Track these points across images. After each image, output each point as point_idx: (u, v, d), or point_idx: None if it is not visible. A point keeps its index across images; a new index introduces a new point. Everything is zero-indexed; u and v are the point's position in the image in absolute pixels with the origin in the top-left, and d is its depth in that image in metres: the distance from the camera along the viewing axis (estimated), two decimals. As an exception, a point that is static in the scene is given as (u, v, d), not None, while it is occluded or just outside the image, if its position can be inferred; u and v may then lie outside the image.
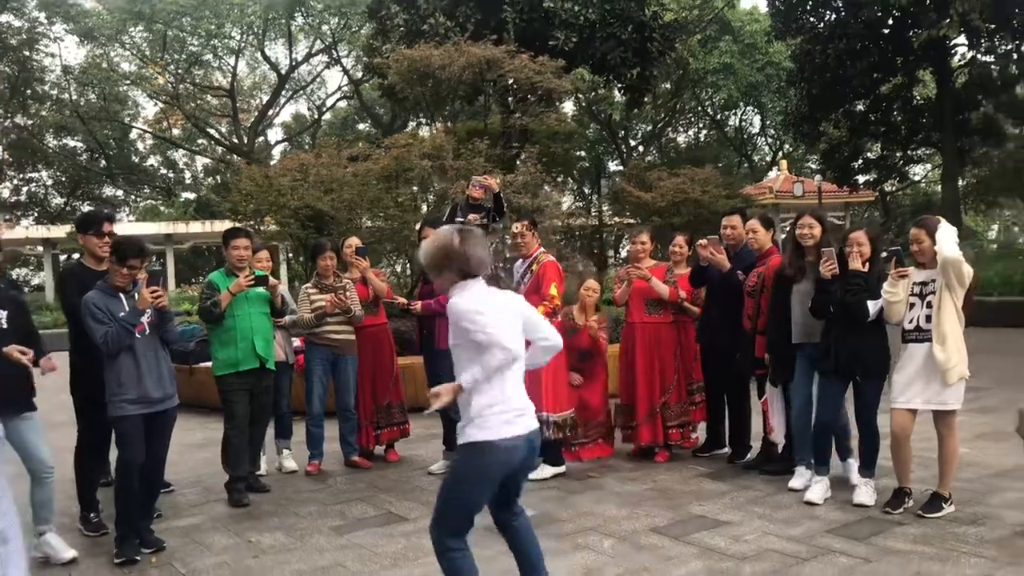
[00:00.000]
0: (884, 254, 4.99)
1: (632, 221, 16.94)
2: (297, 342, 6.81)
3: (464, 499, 3.18)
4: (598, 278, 6.78)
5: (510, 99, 14.33)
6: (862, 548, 4.20)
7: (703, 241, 5.86)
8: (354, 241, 6.61)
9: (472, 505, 3.20)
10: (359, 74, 30.96)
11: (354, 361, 6.37)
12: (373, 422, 6.53)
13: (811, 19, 20.57)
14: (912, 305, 4.70)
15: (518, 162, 13.67)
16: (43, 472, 4.50)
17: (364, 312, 6.36)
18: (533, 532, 3.44)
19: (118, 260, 4.50)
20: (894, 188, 29.43)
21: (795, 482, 5.30)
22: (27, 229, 30.60)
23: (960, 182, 23.18)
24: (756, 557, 4.15)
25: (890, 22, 19.35)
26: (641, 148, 37.03)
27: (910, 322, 4.70)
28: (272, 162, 22.00)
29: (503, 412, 3.14)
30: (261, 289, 5.67)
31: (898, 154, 22.86)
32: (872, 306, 4.77)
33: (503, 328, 3.13)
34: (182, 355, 9.05)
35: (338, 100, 37.64)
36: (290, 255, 18.51)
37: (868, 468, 4.99)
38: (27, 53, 28.72)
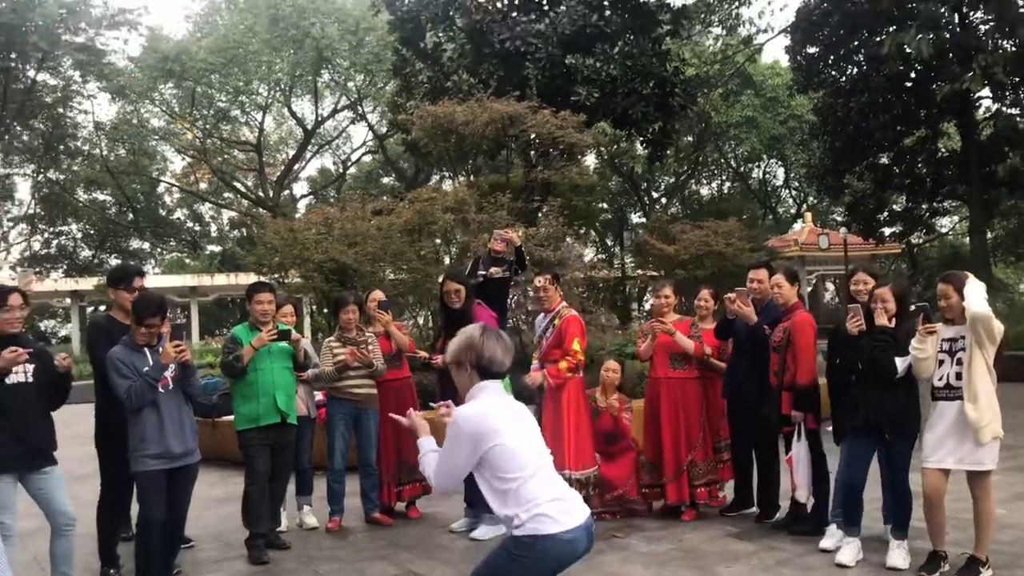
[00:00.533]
0: (912, 309, 4.92)
1: (655, 273, 16.91)
2: (319, 396, 6.80)
3: None
4: (621, 330, 6.76)
5: (532, 153, 14.46)
6: (897, 614, 4.06)
7: (731, 295, 5.82)
8: (378, 295, 6.63)
9: None
10: (384, 129, 31.44)
11: (376, 416, 6.33)
12: (395, 478, 6.46)
13: (833, 73, 20.66)
14: (941, 362, 4.61)
15: (540, 215, 13.76)
16: (64, 525, 4.49)
17: (387, 366, 6.34)
18: None
19: (136, 320, 4.53)
20: (921, 240, 29.23)
21: (825, 542, 5.16)
22: (56, 281, 31.06)
23: (988, 234, 22.96)
24: (787, 622, 4.02)
25: (912, 75, 19.39)
26: (664, 200, 37.14)
27: (940, 379, 4.61)
28: (297, 215, 22.31)
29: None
30: (284, 343, 5.67)
31: (924, 206, 22.70)
32: (900, 363, 4.69)
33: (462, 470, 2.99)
34: (204, 408, 9.04)
35: (363, 155, 38.19)
36: (313, 308, 18.61)
37: (901, 529, 4.86)
38: (61, 110, 29.46)
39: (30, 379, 4.39)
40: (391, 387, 6.43)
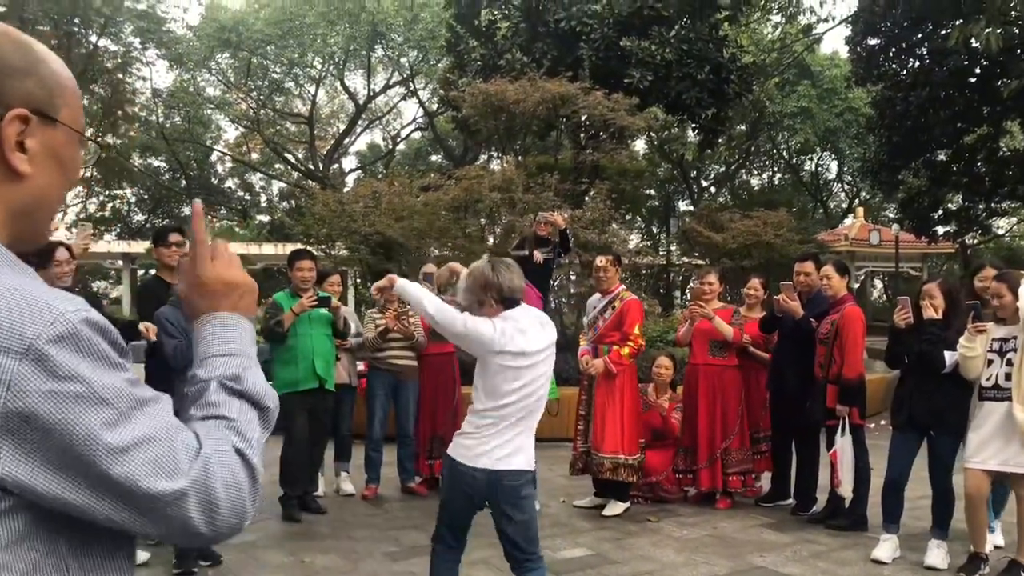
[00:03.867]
0: (964, 307, 4.81)
1: (701, 262, 16.74)
2: (361, 366, 6.87)
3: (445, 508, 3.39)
4: (664, 319, 6.74)
5: (582, 135, 14.36)
6: (932, 613, 4.00)
7: (783, 296, 5.74)
8: (429, 268, 6.66)
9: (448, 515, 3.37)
10: (434, 106, 31.46)
11: (415, 388, 6.39)
12: (426, 451, 6.52)
13: (893, 66, 20.16)
14: (991, 362, 4.51)
15: (587, 198, 13.66)
16: None
17: (429, 340, 6.38)
18: None
19: None
20: (975, 241, 28.53)
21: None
22: (109, 244, 31.71)
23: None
24: (819, 614, 3.99)
25: (977, 71, 18.87)
26: (713, 189, 36.68)
27: (988, 379, 4.52)
28: (345, 189, 22.49)
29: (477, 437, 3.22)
30: (324, 310, 5.75)
31: (981, 206, 22.12)
32: (948, 357, 4.60)
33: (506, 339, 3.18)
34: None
35: (412, 131, 38.26)
36: (358, 280, 18.76)
37: (941, 529, 4.78)
38: (120, 76, 29.96)
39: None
40: (433, 361, 6.48)
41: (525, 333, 3.20)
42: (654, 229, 34.80)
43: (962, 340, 4.54)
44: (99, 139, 32.21)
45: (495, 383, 3.16)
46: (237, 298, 1.14)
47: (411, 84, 33.79)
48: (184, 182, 36.29)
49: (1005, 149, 21.49)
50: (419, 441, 6.47)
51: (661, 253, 22.15)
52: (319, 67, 34.00)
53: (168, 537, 0.97)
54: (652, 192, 31.83)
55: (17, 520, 0.90)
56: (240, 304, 1.15)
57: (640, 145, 26.33)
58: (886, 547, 4.83)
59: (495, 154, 18.03)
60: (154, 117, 32.94)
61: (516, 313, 3.25)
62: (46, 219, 1.08)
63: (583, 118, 13.37)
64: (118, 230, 36.09)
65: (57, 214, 1.12)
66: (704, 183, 36.66)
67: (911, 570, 4.64)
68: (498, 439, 3.18)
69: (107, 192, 36.68)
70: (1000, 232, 32.94)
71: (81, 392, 0.89)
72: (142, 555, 4.67)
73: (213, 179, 39.27)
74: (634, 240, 22.87)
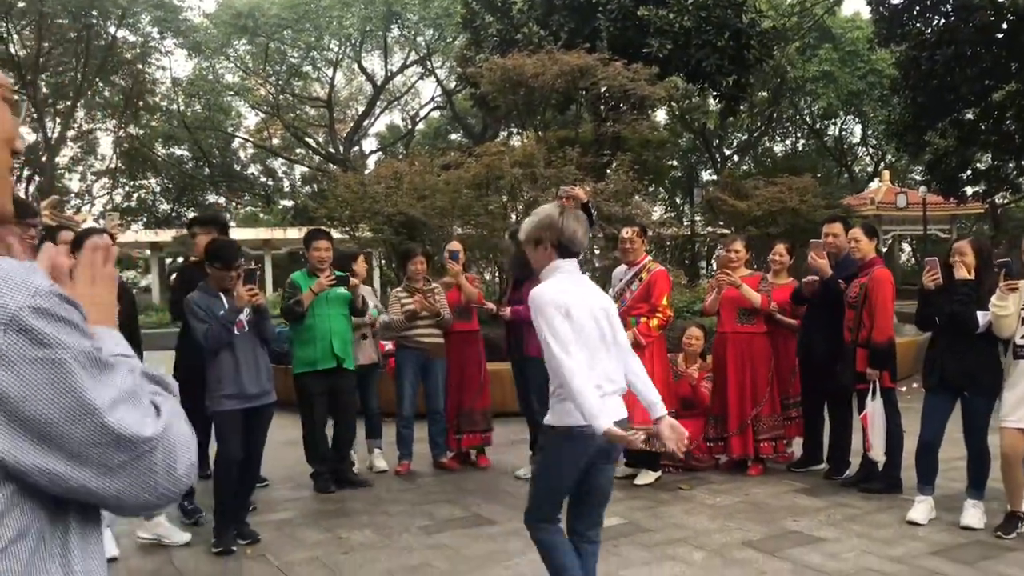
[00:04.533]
0: (995, 265, 4.75)
1: (726, 231, 16.62)
2: (389, 345, 6.94)
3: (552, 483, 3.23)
4: (690, 290, 6.71)
5: (602, 107, 14.25)
6: (970, 572, 3.99)
7: (813, 253, 5.68)
8: (454, 246, 6.67)
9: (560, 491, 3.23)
10: (452, 84, 31.37)
11: (443, 365, 6.43)
12: (454, 426, 6.55)
13: (917, 24, 19.75)
14: (1024, 320, 4.45)
15: (609, 170, 13.58)
16: None
17: (455, 317, 6.41)
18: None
19: (218, 265, 4.65)
20: (1005, 200, 28.06)
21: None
22: (136, 233, 32.05)
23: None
24: (855, 576, 3.99)
25: (1004, 26, 18.47)
26: (736, 158, 36.33)
27: (1022, 337, 4.46)
28: (366, 171, 22.55)
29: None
30: (342, 290, 5.79)
31: (1011, 165, 21.73)
32: (982, 317, 4.55)
33: (574, 340, 3.02)
34: (277, 356, 9.29)
35: (431, 110, 38.21)
36: (383, 261, 18.82)
37: (977, 489, 4.74)
38: (140, 66, 30.13)
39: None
40: (458, 338, 6.51)
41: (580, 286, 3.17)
42: (677, 200, 34.57)
43: (994, 299, 4.48)
44: (122, 130, 32.49)
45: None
46: (96, 313, 1.15)
47: (428, 63, 33.68)
48: (207, 170, 36.51)
49: (1035, 105, 21.04)
50: (448, 417, 6.51)
51: (685, 224, 22.03)
52: (336, 50, 33.99)
53: (128, 495, 1.00)
54: (675, 163, 31.61)
55: (4, 490, 0.94)
56: (99, 319, 1.15)
57: (661, 116, 26.11)
58: (921, 509, 4.80)
59: (515, 130, 17.94)
60: (175, 106, 33.12)
61: (570, 266, 3.17)
62: None
63: (603, 90, 13.27)
64: (144, 219, 36.42)
65: (11, 184, 1.14)
66: (727, 152, 36.33)
67: (947, 531, 4.61)
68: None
69: (132, 183, 37.00)
70: (1031, 190, 32.37)
71: (65, 357, 0.94)
72: (183, 536, 4.75)
73: (236, 166, 39.46)
74: (658, 211, 22.75)
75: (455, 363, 6.50)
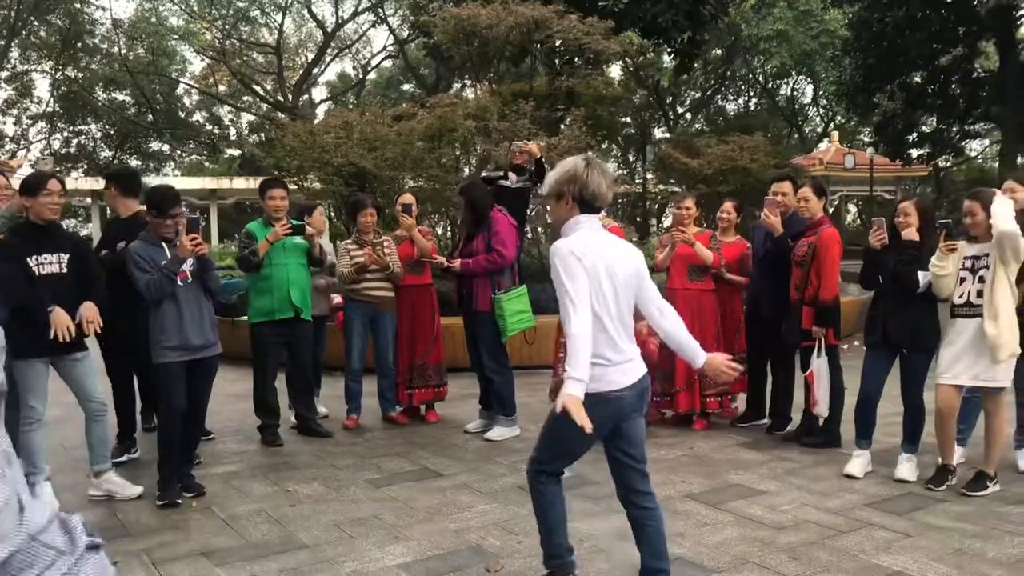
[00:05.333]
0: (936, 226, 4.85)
1: (677, 189, 16.73)
2: (337, 299, 6.87)
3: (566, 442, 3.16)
4: (640, 247, 6.71)
5: (557, 61, 14.14)
6: (902, 523, 4.12)
7: (765, 211, 5.72)
8: (407, 198, 6.58)
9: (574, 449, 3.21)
10: (405, 33, 30.81)
11: (393, 318, 6.38)
12: (406, 381, 6.54)
13: (870, -15, 19.94)
14: (963, 279, 4.57)
15: (563, 126, 13.51)
16: (96, 412, 4.60)
17: (408, 271, 6.36)
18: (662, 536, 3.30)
19: (156, 213, 4.53)
20: (949, 164, 28.71)
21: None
22: (76, 181, 31.11)
23: (1020, 159, 22.52)
24: (793, 527, 4.10)
25: (953, -10, 18.73)
26: (688, 116, 36.49)
27: (960, 296, 4.58)
28: (316, 121, 22.12)
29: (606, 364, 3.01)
30: (299, 239, 5.71)
31: (955, 128, 22.20)
32: (922, 277, 4.65)
33: (589, 292, 2.94)
34: (223, 308, 9.15)
35: (383, 60, 37.55)
36: (332, 213, 18.58)
37: (912, 444, 4.89)
38: (78, 6, 28.99)
39: (64, 270, 4.43)
40: (410, 291, 6.46)
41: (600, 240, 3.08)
42: (630, 157, 34.68)
43: (933, 259, 4.58)
44: (60, 72, 31.35)
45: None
46: None
47: (380, 10, 32.98)
48: (151, 116, 35.49)
49: (980, 70, 21.46)
50: (398, 371, 6.49)
51: (637, 181, 22.11)
52: (285, -6, 33.10)
53: None
54: (628, 120, 31.57)
55: None
56: None
57: (616, 71, 25.99)
58: (858, 462, 4.95)
59: (469, 82, 17.73)
60: (116, 49, 32.02)
61: (593, 222, 3.07)
62: None
63: (557, 43, 13.15)
64: (85, 167, 35.37)
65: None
66: (680, 109, 36.42)
67: (882, 483, 4.76)
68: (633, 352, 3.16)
69: (71, 128, 35.84)
70: (973, 154, 33.12)
71: None
72: (135, 489, 4.69)
73: (180, 113, 38.45)
74: (610, 168, 22.76)
75: (407, 317, 6.46)
